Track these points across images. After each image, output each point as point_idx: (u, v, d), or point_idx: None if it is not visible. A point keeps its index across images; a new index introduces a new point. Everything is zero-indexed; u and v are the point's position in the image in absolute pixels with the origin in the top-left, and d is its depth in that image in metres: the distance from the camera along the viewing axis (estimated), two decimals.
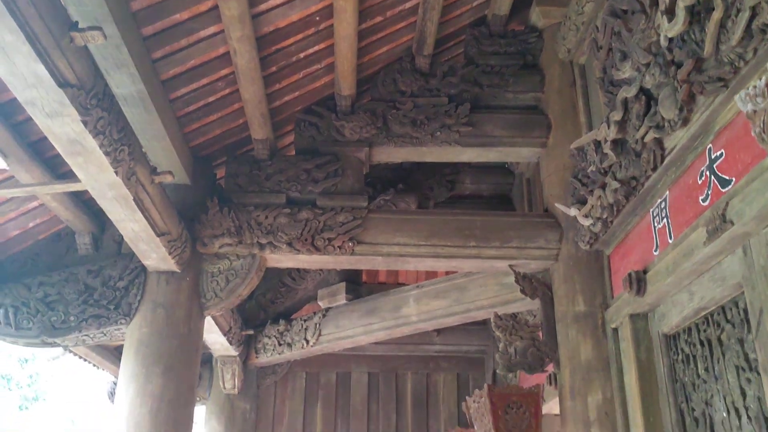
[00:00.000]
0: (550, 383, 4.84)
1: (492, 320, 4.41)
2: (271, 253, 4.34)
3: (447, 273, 5.69)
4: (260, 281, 6.01)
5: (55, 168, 3.69)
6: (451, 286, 5.35)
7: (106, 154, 2.85)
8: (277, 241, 4.30)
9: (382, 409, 7.18)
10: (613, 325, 3.85)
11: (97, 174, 3.03)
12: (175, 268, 4.13)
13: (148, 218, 3.52)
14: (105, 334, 4.16)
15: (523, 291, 4.40)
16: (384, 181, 6.01)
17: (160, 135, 3.69)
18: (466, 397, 4.41)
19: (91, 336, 4.14)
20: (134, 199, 3.28)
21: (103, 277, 4.17)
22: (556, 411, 4.39)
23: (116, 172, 2.99)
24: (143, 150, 3.57)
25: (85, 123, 2.60)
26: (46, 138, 2.92)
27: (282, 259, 4.46)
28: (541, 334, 4.29)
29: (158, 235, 3.71)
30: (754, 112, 2.16)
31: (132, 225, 3.55)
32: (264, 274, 4.81)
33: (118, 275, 4.18)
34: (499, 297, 4.95)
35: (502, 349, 4.26)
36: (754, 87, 2.12)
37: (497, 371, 5.38)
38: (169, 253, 3.94)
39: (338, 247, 4.33)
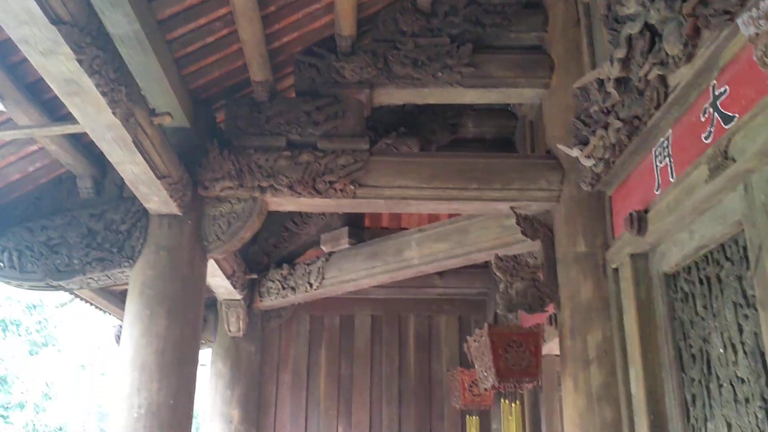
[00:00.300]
0: (551, 323, 4.90)
1: (493, 262, 4.44)
2: (272, 197, 4.34)
3: (450, 216, 5.69)
4: (263, 226, 6.05)
5: (54, 111, 3.67)
6: (452, 228, 5.37)
7: (103, 94, 2.83)
8: (278, 184, 4.29)
9: (385, 350, 7.31)
10: (614, 266, 3.87)
11: (95, 115, 3.00)
12: (176, 211, 4.14)
13: (148, 160, 3.51)
14: (109, 277, 4.20)
15: (524, 232, 4.41)
16: (386, 125, 5.97)
17: (158, 77, 3.65)
18: (467, 337, 4.47)
19: (96, 279, 4.18)
20: (133, 141, 3.27)
21: (105, 221, 4.19)
22: (557, 351, 4.45)
23: (114, 113, 2.97)
24: (141, 92, 3.53)
25: (80, 61, 2.57)
26: (43, 80, 2.89)
27: (283, 203, 4.46)
28: (541, 274, 4.32)
29: (159, 178, 3.71)
30: (757, 35, 2.10)
31: (132, 167, 3.54)
32: (267, 218, 4.82)
33: (120, 219, 4.19)
34: (500, 239, 4.97)
35: (503, 289, 4.29)
36: (758, 9, 2.06)
37: (498, 312, 5.44)
38: (171, 196, 3.94)
39: (339, 190, 4.33)
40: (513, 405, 4.75)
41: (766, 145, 2.36)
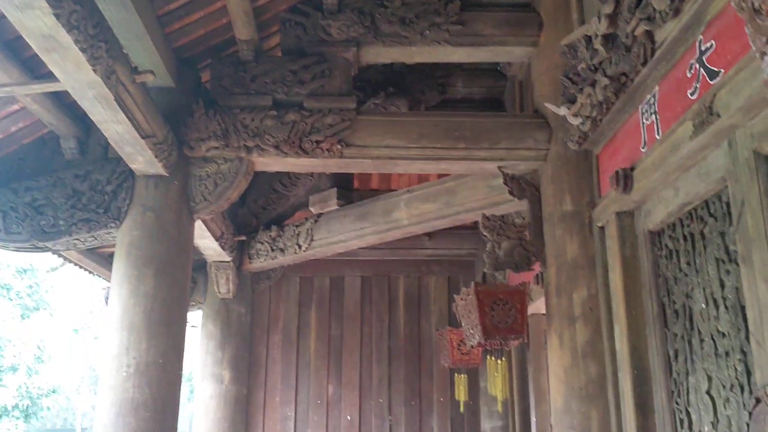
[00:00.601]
0: (537, 283, 4.95)
1: (480, 221, 4.45)
2: (258, 157, 4.32)
3: (440, 177, 5.68)
4: (251, 188, 6.06)
5: (34, 69, 3.61)
6: (441, 189, 5.37)
7: (83, 50, 2.78)
8: (264, 144, 4.27)
9: (375, 311, 7.36)
10: (600, 224, 3.89)
11: (75, 72, 2.96)
12: (162, 171, 4.11)
13: (132, 119, 3.47)
14: (96, 238, 4.19)
15: (511, 192, 4.42)
16: (374, 85, 5.92)
17: (140, 34, 3.59)
18: (455, 296, 4.50)
19: (82, 240, 4.17)
20: (116, 99, 3.22)
21: (90, 182, 4.16)
22: (544, 310, 4.49)
23: (95, 70, 2.92)
24: (123, 50, 3.48)
25: (57, 16, 2.52)
26: (22, 37, 2.84)
27: (270, 163, 4.44)
28: (528, 233, 4.33)
29: (143, 137, 3.68)
30: None
31: (116, 126, 3.50)
32: (255, 180, 4.81)
33: (105, 179, 4.16)
34: (487, 199, 4.97)
35: (490, 249, 4.31)
36: None
37: (486, 272, 5.47)
38: (156, 156, 3.91)
39: (326, 149, 4.31)
40: (499, 362, 4.81)
41: (750, 101, 2.35)
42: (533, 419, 5.83)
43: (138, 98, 3.48)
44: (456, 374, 6.63)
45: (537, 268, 4.39)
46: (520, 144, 4.35)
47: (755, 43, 1.10)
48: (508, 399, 6.13)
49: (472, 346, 4.42)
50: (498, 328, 4.02)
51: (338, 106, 4.38)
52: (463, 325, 4.39)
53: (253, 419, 6.97)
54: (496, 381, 4.96)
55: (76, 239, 4.15)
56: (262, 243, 6.40)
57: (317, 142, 4.30)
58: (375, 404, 7.10)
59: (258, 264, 6.53)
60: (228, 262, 6.33)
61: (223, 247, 5.89)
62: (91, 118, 3.46)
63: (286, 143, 4.28)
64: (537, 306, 5.17)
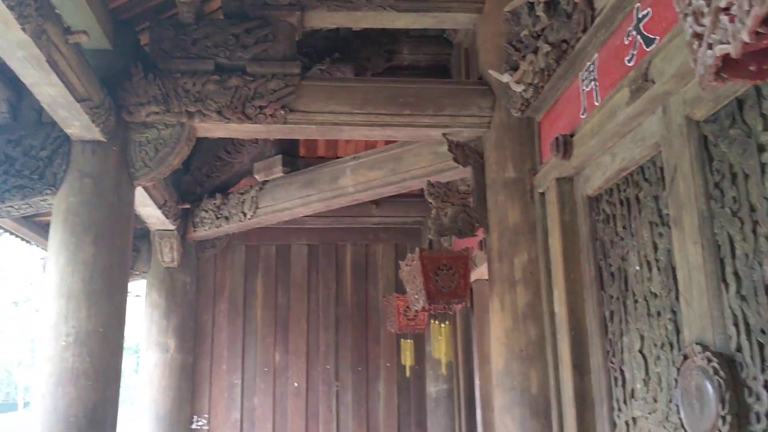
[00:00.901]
0: (481, 248, 5.03)
1: (425, 188, 4.48)
2: (200, 122, 4.24)
3: (387, 144, 5.68)
4: (195, 155, 5.95)
5: None
6: (387, 156, 5.37)
7: (10, 8, 2.66)
8: (206, 110, 4.18)
9: (322, 278, 7.38)
10: (541, 190, 3.96)
11: (3, 31, 2.83)
12: (100, 137, 4.00)
13: (65, 82, 3.35)
14: (31, 206, 4.06)
15: (455, 159, 4.45)
16: (320, 51, 5.84)
17: None
18: (400, 262, 4.54)
19: (16, 207, 4.04)
20: (47, 60, 3.10)
21: (23, 147, 4.02)
22: (488, 276, 4.57)
23: (23, 29, 2.80)
24: (55, 10, 3.34)
25: None
26: None
27: (212, 128, 4.36)
28: (471, 200, 4.38)
29: (78, 101, 3.56)
30: None
31: (48, 89, 3.38)
32: (198, 147, 4.71)
33: (39, 145, 4.03)
34: (433, 166, 5.00)
35: (434, 215, 4.35)
36: None
37: (432, 240, 5.53)
38: (93, 121, 3.79)
39: (270, 115, 4.25)
40: (443, 326, 4.89)
41: (683, 67, 2.40)
42: (477, 382, 5.97)
43: (72, 60, 3.36)
44: (402, 340, 6.72)
45: (481, 234, 4.45)
46: (464, 111, 4.37)
47: (678, 4, 1.12)
48: (453, 362, 6.26)
49: (417, 311, 4.48)
50: (442, 293, 4.07)
51: (282, 71, 4.32)
52: (408, 290, 4.44)
53: (200, 387, 6.96)
54: (439, 344, 5.05)
55: (10, 206, 4.02)
56: (207, 211, 6.32)
57: (260, 107, 4.24)
58: (322, 371, 7.16)
59: (202, 232, 6.45)
60: (172, 230, 6.23)
61: (166, 215, 5.80)
62: (23, 80, 3.33)
63: (229, 109, 4.21)
64: (481, 271, 5.25)
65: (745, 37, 0.92)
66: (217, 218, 6.30)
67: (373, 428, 7.06)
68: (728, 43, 0.96)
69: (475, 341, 5.99)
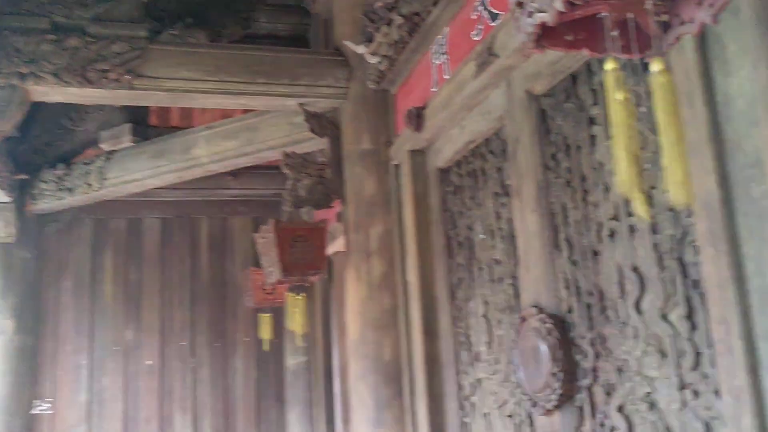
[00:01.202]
0: (340, 220, 5.04)
1: (282, 159, 4.41)
2: (34, 85, 3.90)
3: (246, 113, 5.51)
4: (33, 122, 5.51)
5: None
6: (242, 126, 5.23)
7: None
8: (41, 71, 3.86)
9: (177, 253, 7.12)
10: (395, 162, 4.02)
11: None
12: None
13: None
14: None
15: (312, 130, 4.41)
16: (172, 15, 5.55)
17: None
18: (254, 234, 4.46)
19: None
20: None
21: None
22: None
23: None
24: None
25: None
26: None
27: (49, 92, 4.04)
28: (328, 172, 4.37)
29: None
30: None
31: None
32: (37, 114, 4.38)
33: None
34: (290, 137, 4.93)
35: (291, 186, 4.30)
36: None
37: (288, 210, 5.47)
38: None
39: (114, 80, 3.99)
40: (298, 297, 4.88)
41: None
42: (336, 353, 6.02)
43: None
44: (260, 314, 6.64)
45: (338, 205, 4.46)
46: (320, 81, 4.33)
47: None
48: (311, 335, 6.28)
49: (272, 284, 4.43)
50: (297, 265, 4.06)
51: (127, 33, 4.06)
52: (262, 262, 4.38)
53: (42, 370, 6.52)
54: (295, 316, 5.04)
55: None
56: (47, 182, 5.88)
57: (103, 71, 3.97)
58: (177, 348, 6.93)
59: (43, 205, 6.00)
60: (7, 203, 5.75)
61: (0, 186, 5.34)
62: None
63: (67, 71, 3.91)
64: (340, 243, 5.27)
65: (559, 6, 0.95)
66: (60, 190, 5.89)
67: (231, 404, 6.95)
68: (546, 11, 1.00)
69: (335, 313, 6.03)
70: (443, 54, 3.33)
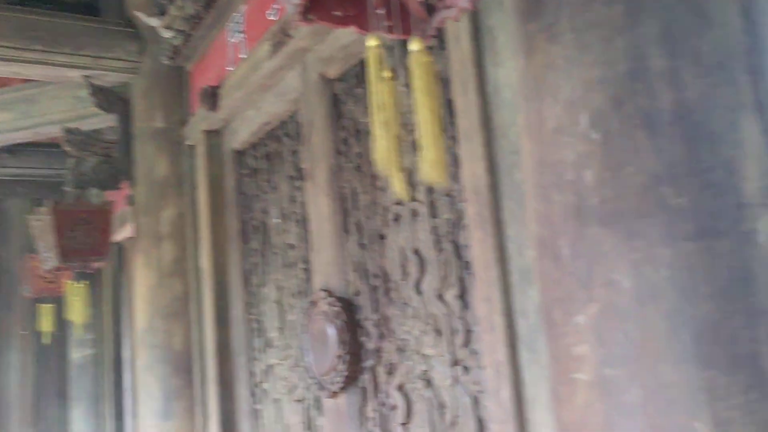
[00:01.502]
0: (132, 203, 4.74)
1: (63, 135, 4.05)
2: None
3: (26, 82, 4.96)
4: None
5: None
6: (17, 97, 4.71)
7: None
8: None
9: None
10: (190, 142, 3.85)
11: None
12: None
13: None
14: None
15: (98, 105, 4.10)
16: None
17: None
18: (27, 217, 4.06)
19: None
20: None
21: None
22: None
23: None
24: None
25: None
26: None
27: None
28: (116, 150, 4.09)
29: None
30: None
31: None
32: None
33: None
34: (73, 111, 4.53)
35: (73, 165, 3.97)
36: None
37: (68, 190, 5.04)
38: None
39: None
40: (78, 285, 4.52)
41: (320, 26, 2.48)
42: (126, 345, 5.68)
43: None
44: (40, 304, 6.08)
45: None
46: (108, 53, 4.02)
47: None
48: (97, 325, 5.87)
49: (52, 271, 4.06)
50: (78, 250, 3.75)
51: None
52: (38, 248, 3.99)
53: None
54: (74, 305, 4.66)
55: None
56: None
57: None
58: None
59: None
60: None
61: None
62: None
63: None
64: (132, 228, 4.96)
65: None
66: None
67: (5, 403, 6.31)
68: None
69: (125, 302, 5.68)
70: (240, 32, 3.23)
